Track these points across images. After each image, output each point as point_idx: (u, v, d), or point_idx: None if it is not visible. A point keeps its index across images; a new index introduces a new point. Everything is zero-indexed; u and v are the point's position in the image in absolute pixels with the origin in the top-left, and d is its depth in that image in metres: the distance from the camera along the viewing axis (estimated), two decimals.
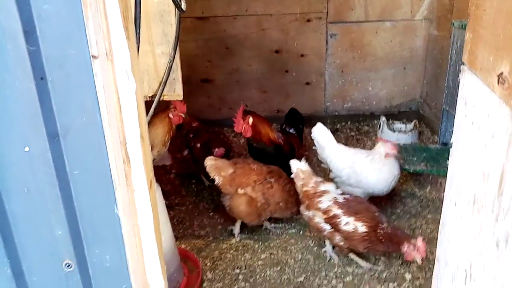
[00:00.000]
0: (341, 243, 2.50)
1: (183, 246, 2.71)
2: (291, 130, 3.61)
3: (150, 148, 3.30)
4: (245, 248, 2.72)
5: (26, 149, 1.15)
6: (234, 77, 4.67)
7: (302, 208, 2.62)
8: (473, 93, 1.22)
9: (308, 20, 4.60)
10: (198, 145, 3.37)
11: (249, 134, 3.14)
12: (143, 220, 1.46)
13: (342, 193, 2.59)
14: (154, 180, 1.62)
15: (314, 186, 2.59)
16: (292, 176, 2.67)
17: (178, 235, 2.83)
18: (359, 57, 4.77)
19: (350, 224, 2.43)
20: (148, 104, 2.08)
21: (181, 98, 2.13)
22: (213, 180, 2.86)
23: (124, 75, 1.28)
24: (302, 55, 4.73)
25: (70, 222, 1.26)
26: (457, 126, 1.41)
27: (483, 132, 1.09)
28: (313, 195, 2.57)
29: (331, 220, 2.48)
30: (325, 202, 2.51)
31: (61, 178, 1.20)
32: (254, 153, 3.27)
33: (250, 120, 3.14)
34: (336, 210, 2.47)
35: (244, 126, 3.12)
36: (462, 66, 1.36)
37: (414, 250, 2.27)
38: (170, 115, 3.18)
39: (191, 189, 3.49)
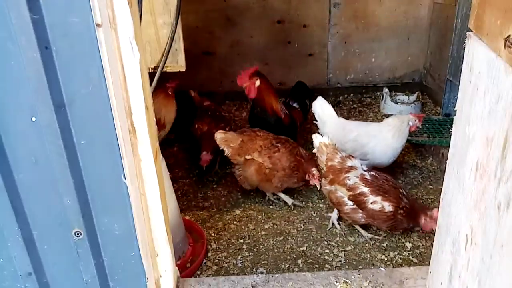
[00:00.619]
0: (362, 220, 2.49)
1: (187, 217, 2.75)
2: (294, 104, 3.58)
3: (161, 123, 3.27)
4: (248, 219, 2.76)
5: (33, 119, 1.16)
6: (236, 49, 4.62)
7: (323, 181, 2.62)
8: (479, 59, 1.22)
9: None
10: (196, 126, 3.35)
11: (252, 95, 3.12)
12: (150, 190, 1.48)
13: (368, 170, 2.54)
14: (160, 151, 1.64)
15: (341, 161, 2.52)
16: (314, 150, 2.67)
17: (183, 207, 2.87)
18: (363, 27, 4.69)
19: (378, 203, 2.38)
20: (151, 76, 2.07)
21: (183, 69, 2.12)
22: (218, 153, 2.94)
23: (128, 44, 1.27)
24: (304, 26, 4.65)
25: (79, 191, 1.28)
26: (462, 93, 1.41)
27: (488, 97, 1.09)
28: (339, 170, 2.50)
29: (357, 198, 2.42)
30: (352, 179, 2.45)
31: (68, 147, 1.21)
32: (255, 120, 3.28)
33: (257, 82, 3.08)
34: (363, 188, 2.41)
35: (249, 84, 3.07)
36: (468, 33, 1.34)
37: (431, 221, 2.30)
38: (170, 92, 3.33)
39: (194, 162, 3.52)
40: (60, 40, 1.08)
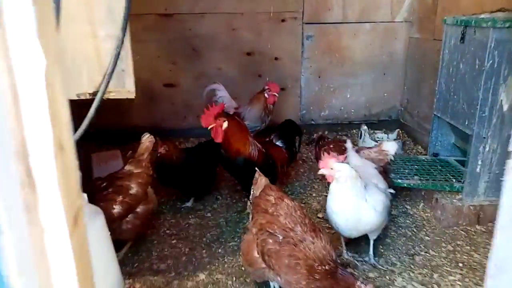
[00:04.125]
0: None
1: (137, 285, 2.16)
2: (278, 143, 3.11)
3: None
4: (215, 286, 2.19)
5: None
6: (202, 81, 4.18)
7: None
8: None
9: (283, 20, 4.21)
10: None
11: (219, 140, 2.66)
12: (61, 279, 0.93)
13: None
14: (84, 211, 1.10)
15: None
16: None
17: (132, 271, 2.28)
18: (337, 61, 4.42)
19: None
20: (88, 105, 1.57)
21: (132, 95, 1.63)
22: None
23: (26, 46, 0.78)
24: (276, 58, 4.33)
25: None
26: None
27: None
28: None
29: None
30: None
31: None
32: (223, 162, 2.84)
33: (225, 124, 2.63)
34: None
35: (215, 126, 2.62)
36: None
37: None
38: (266, 95, 3.65)
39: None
40: None
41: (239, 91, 4.09)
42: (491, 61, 2.46)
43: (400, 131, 4.16)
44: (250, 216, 2.12)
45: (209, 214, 2.93)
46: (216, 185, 3.34)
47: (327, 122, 4.61)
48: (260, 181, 2.14)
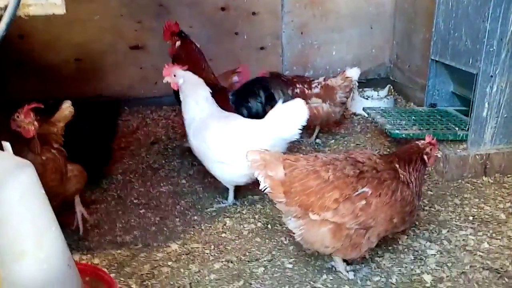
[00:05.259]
0: None
1: (96, 261, 1.81)
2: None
3: None
4: (190, 257, 1.86)
5: None
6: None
7: None
8: None
9: None
10: None
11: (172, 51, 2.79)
12: None
13: None
14: None
15: None
16: None
17: (91, 245, 1.93)
18: (321, 14, 4.05)
19: None
20: None
21: (61, 9, 1.24)
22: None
23: None
24: (253, 13, 3.93)
25: None
26: None
27: None
28: None
29: None
30: None
31: None
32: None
33: (177, 43, 2.76)
34: None
35: (171, 44, 2.83)
36: None
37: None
38: (235, 78, 3.10)
39: (115, 179, 2.58)
40: None
41: (213, 52, 3.68)
42: None
43: (391, 87, 3.84)
44: (295, 210, 1.61)
45: (184, 181, 2.58)
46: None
47: None
48: (272, 158, 1.57)
